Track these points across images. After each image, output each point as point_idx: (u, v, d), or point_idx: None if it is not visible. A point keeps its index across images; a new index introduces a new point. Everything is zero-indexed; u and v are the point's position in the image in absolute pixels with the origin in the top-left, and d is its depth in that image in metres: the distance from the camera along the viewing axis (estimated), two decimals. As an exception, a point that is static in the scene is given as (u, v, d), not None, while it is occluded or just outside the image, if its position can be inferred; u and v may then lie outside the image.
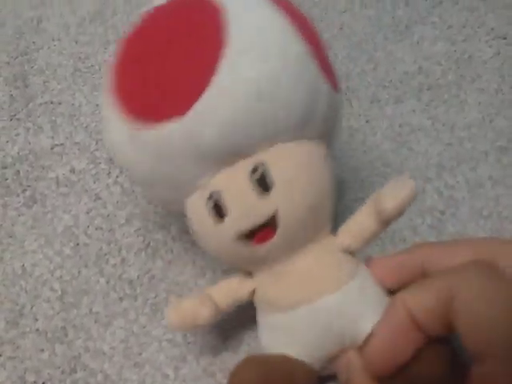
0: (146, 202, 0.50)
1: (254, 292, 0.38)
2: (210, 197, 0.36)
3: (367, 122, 0.54)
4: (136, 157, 0.37)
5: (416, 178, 0.49)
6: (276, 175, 0.35)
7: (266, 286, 0.38)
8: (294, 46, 0.35)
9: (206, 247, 0.39)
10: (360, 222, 0.38)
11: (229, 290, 0.39)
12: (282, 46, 0.34)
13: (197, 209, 0.37)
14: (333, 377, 0.38)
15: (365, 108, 0.55)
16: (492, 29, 0.60)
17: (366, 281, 0.37)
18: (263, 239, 0.35)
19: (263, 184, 0.35)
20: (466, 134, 0.53)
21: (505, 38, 0.59)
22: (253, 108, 0.33)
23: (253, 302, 0.39)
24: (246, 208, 0.35)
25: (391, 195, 0.36)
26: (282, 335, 0.37)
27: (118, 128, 0.37)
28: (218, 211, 0.36)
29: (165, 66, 0.34)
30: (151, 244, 0.48)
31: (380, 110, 0.55)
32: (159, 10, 0.37)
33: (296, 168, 0.35)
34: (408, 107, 0.55)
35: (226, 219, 0.35)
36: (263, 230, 0.35)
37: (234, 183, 0.35)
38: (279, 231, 0.35)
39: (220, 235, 0.36)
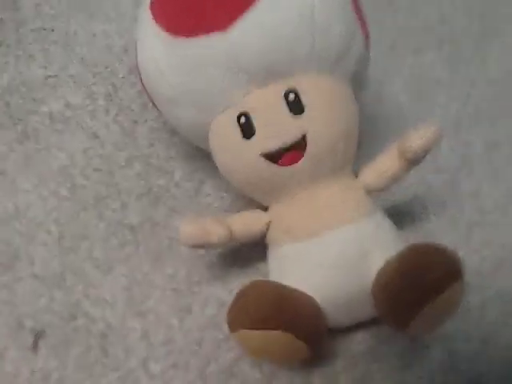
0: (147, 144, 0.49)
1: (268, 225, 0.40)
2: (240, 115, 0.37)
3: (384, 70, 0.53)
4: (169, 69, 0.38)
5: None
6: (308, 100, 0.37)
7: (284, 215, 0.39)
8: None
9: (230, 169, 0.40)
10: (383, 162, 0.40)
11: (245, 220, 0.41)
12: None
13: (224, 128, 0.39)
14: (341, 331, 0.40)
15: (383, 56, 0.54)
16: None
17: (383, 222, 0.40)
18: (290, 161, 0.37)
19: (295, 106, 0.37)
20: (486, 90, 0.53)
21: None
22: (295, 30, 0.36)
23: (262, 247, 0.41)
24: (276, 127, 0.37)
25: (417, 135, 0.38)
26: (293, 267, 0.38)
27: (153, 40, 0.39)
28: (247, 131, 0.37)
29: None
30: (153, 189, 0.47)
31: (399, 59, 0.54)
32: None
33: (327, 96, 0.38)
34: (428, 58, 0.54)
35: (255, 138, 0.37)
36: (290, 153, 0.37)
37: (266, 103, 0.37)
38: (306, 155, 0.37)
39: (247, 153, 0.38)
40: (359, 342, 0.41)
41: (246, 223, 0.40)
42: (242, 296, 0.36)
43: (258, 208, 0.41)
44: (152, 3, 0.40)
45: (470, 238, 0.45)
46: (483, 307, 0.42)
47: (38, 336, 0.41)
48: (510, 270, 0.44)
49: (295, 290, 0.37)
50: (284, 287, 0.37)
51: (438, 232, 0.45)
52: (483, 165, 0.48)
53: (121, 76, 0.53)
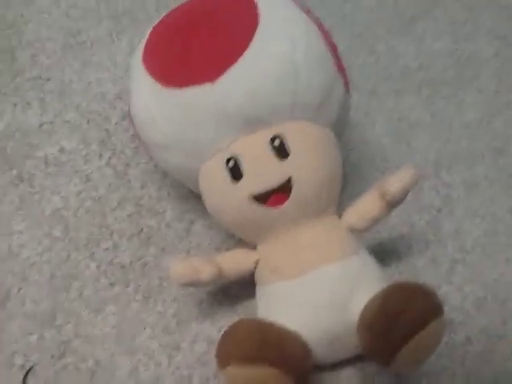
0: (139, 186, 0.51)
1: (256, 263, 0.41)
2: (229, 159, 0.40)
3: (366, 115, 0.56)
4: (161, 117, 0.40)
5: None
6: (293, 145, 0.39)
7: (270, 254, 0.41)
8: (316, 39, 0.41)
9: (218, 210, 0.42)
10: (365, 204, 0.42)
11: (234, 258, 0.42)
12: (306, 35, 0.40)
13: (213, 172, 0.41)
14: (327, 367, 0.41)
15: (364, 101, 0.57)
16: (492, 29, 0.63)
17: (368, 260, 0.41)
18: (276, 202, 0.39)
19: (280, 151, 0.39)
20: (463, 132, 0.55)
21: (505, 39, 0.62)
22: (279, 82, 0.39)
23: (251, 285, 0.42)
24: (262, 171, 0.39)
25: (395, 178, 0.41)
26: (281, 305, 0.39)
27: (146, 90, 0.41)
28: (235, 175, 0.39)
29: (200, 36, 0.40)
30: (144, 230, 0.49)
31: (379, 104, 0.57)
32: None
33: (311, 142, 0.40)
34: (407, 102, 0.57)
35: (242, 181, 0.39)
36: (277, 195, 0.39)
37: (253, 148, 0.40)
38: (292, 196, 0.39)
39: (235, 196, 0.40)
40: (346, 378, 0.41)
41: (235, 262, 0.42)
42: (229, 333, 0.37)
43: (246, 247, 0.43)
44: (144, 54, 0.42)
45: (452, 275, 0.46)
46: (467, 344, 0.43)
47: (28, 373, 0.42)
48: (491, 308, 0.45)
49: (282, 328, 0.37)
50: (270, 325, 0.37)
51: (421, 270, 0.46)
52: (463, 204, 0.50)
53: (114, 122, 0.55)
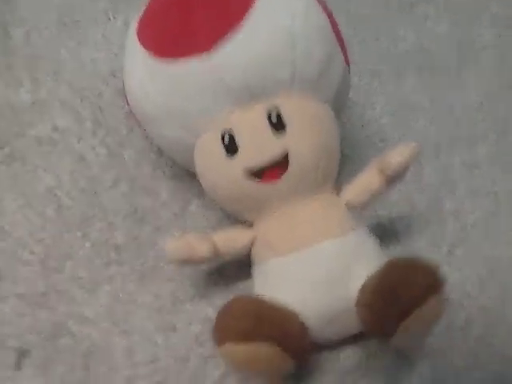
0: (134, 165, 0.50)
1: (252, 240, 0.41)
2: (224, 133, 0.39)
3: (366, 95, 0.55)
4: (154, 90, 0.40)
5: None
6: (290, 119, 0.39)
7: (267, 231, 0.40)
8: (315, 11, 0.40)
9: (214, 186, 0.41)
10: (363, 179, 0.41)
11: (229, 236, 0.41)
12: (305, 6, 0.39)
13: (208, 146, 0.40)
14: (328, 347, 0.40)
15: (365, 81, 0.56)
16: (494, 12, 0.62)
17: (366, 237, 0.40)
18: (272, 177, 0.39)
19: (277, 125, 0.38)
20: (464, 115, 0.54)
21: (506, 22, 0.61)
22: (277, 53, 0.38)
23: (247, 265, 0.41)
24: (259, 144, 0.38)
25: (395, 153, 0.40)
26: (277, 281, 0.39)
27: (139, 62, 0.40)
28: (230, 149, 0.39)
29: (196, 7, 0.38)
30: (139, 209, 0.48)
31: (380, 85, 0.56)
32: None
33: (309, 116, 0.39)
34: (408, 84, 0.56)
35: (238, 155, 0.38)
36: (272, 170, 0.38)
37: (249, 121, 0.39)
38: (288, 172, 0.38)
39: (230, 171, 0.39)
40: (346, 357, 0.41)
41: (231, 239, 0.41)
42: (225, 311, 0.36)
43: (243, 226, 0.42)
44: (138, 27, 0.41)
45: (452, 255, 0.46)
46: (467, 324, 0.43)
47: (22, 355, 0.41)
48: (492, 288, 0.44)
49: (278, 304, 0.37)
50: (267, 301, 0.37)
51: (421, 250, 0.46)
52: (464, 184, 0.50)
53: (108, 99, 0.53)
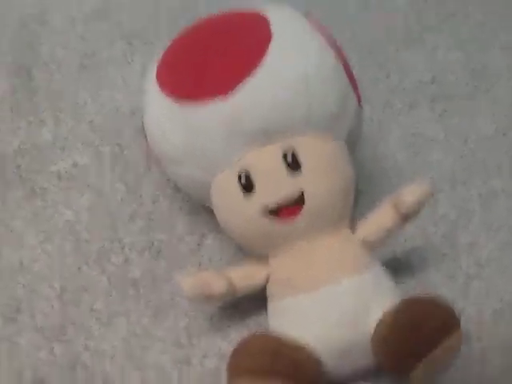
0: (151, 201, 0.51)
1: (268, 277, 0.41)
2: (241, 172, 0.40)
3: (379, 129, 0.55)
4: (172, 131, 0.41)
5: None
6: (305, 159, 0.39)
7: (283, 268, 0.40)
8: (328, 53, 0.41)
9: (231, 224, 0.42)
10: (378, 216, 0.41)
11: (245, 273, 0.42)
12: (318, 49, 0.41)
13: (225, 185, 0.41)
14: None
15: (377, 115, 0.56)
16: (505, 39, 0.62)
17: (381, 274, 0.40)
18: (289, 215, 0.39)
19: (292, 165, 0.39)
20: (479, 146, 0.54)
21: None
22: (292, 97, 0.39)
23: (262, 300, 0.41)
24: (274, 185, 0.39)
25: (409, 191, 0.40)
26: (293, 320, 0.39)
27: (158, 103, 0.42)
28: (247, 188, 0.39)
29: (213, 53, 0.40)
30: (155, 244, 0.48)
31: (393, 118, 0.56)
32: (214, 14, 0.45)
33: (324, 156, 0.40)
34: (421, 116, 0.56)
35: (255, 193, 0.39)
36: (289, 208, 0.39)
37: (265, 162, 0.39)
38: (304, 210, 0.39)
39: (247, 209, 0.40)
40: (359, 394, 0.40)
41: (246, 276, 0.42)
42: (241, 346, 0.37)
43: (258, 261, 0.42)
44: (158, 70, 0.43)
45: (468, 290, 0.45)
46: (484, 358, 0.42)
47: (37, 389, 0.41)
48: (508, 322, 0.43)
49: (294, 342, 0.37)
50: (282, 338, 0.37)
51: (436, 284, 0.46)
52: (479, 217, 0.49)
53: (127, 137, 0.55)
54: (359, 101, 0.44)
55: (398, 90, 0.58)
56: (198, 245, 0.48)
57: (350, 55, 0.46)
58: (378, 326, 0.37)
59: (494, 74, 0.59)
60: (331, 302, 0.38)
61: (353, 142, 0.44)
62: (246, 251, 0.46)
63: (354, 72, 0.45)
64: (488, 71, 0.60)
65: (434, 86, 0.59)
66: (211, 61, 0.40)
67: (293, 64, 0.40)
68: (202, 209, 0.48)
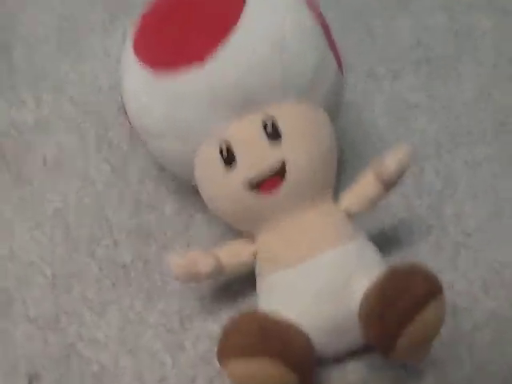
0: (137, 181, 0.47)
1: (255, 254, 0.38)
2: (221, 145, 0.36)
3: (363, 96, 0.51)
4: (151, 104, 0.38)
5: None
6: (285, 128, 0.36)
7: (268, 244, 0.37)
8: (307, 17, 0.37)
9: (214, 199, 0.39)
10: (360, 186, 0.38)
11: (232, 250, 0.39)
12: (296, 13, 0.37)
13: (206, 158, 0.37)
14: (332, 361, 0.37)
15: (361, 82, 0.51)
16: (490, 0, 0.56)
17: (366, 246, 0.38)
18: (271, 187, 0.36)
19: (273, 134, 0.36)
20: (463, 109, 0.50)
21: (503, 11, 0.55)
22: (269, 59, 0.36)
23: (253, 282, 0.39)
24: (256, 156, 0.36)
25: (391, 158, 0.37)
26: (282, 295, 0.36)
27: (135, 75, 0.38)
28: (228, 160, 0.36)
29: (187, 19, 0.36)
30: (144, 226, 0.45)
31: (377, 85, 0.51)
32: None
33: (304, 124, 0.37)
34: (405, 83, 0.51)
35: (236, 167, 0.36)
36: (271, 180, 0.36)
37: (245, 132, 0.36)
38: (286, 181, 0.36)
39: (229, 183, 0.37)
40: (351, 371, 0.38)
41: (234, 254, 0.39)
42: (228, 328, 0.34)
43: (246, 240, 0.39)
44: (134, 40, 0.39)
45: (456, 260, 0.42)
46: (474, 331, 0.39)
47: (33, 379, 0.39)
48: (498, 292, 0.41)
49: (282, 319, 0.34)
50: (270, 316, 0.35)
51: (424, 256, 0.42)
52: (465, 185, 0.45)
53: (109, 115, 0.50)
54: (340, 65, 0.40)
55: (383, 55, 0.53)
56: (186, 226, 0.45)
57: (334, 20, 0.41)
58: (362, 299, 0.34)
59: (479, 35, 0.54)
60: (315, 276, 0.35)
61: (334, 109, 0.41)
62: (234, 231, 0.43)
63: (337, 36, 0.40)
64: (473, 32, 0.54)
65: (419, 50, 0.53)
66: (186, 28, 0.36)
67: (268, 26, 0.36)
68: (188, 189, 0.45)
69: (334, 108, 0.41)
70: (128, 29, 0.54)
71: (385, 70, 0.52)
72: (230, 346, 0.33)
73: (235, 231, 0.42)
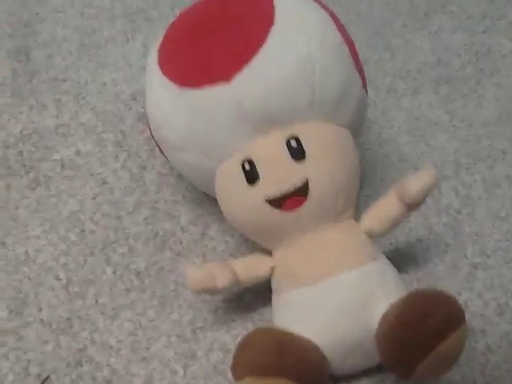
0: (155, 190, 0.47)
1: (272, 269, 0.38)
2: (244, 161, 0.37)
3: (383, 113, 0.52)
4: (176, 117, 0.38)
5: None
6: (310, 146, 0.36)
7: (287, 260, 0.38)
8: (334, 36, 0.38)
9: (234, 214, 0.39)
10: (383, 207, 0.38)
11: (249, 265, 0.39)
12: (323, 32, 0.37)
13: (228, 174, 0.38)
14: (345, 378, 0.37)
15: (381, 98, 0.52)
16: (511, 22, 0.57)
17: (386, 266, 0.38)
18: (293, 206, 0.36)
19: (297, 153, 0.36)
20: (483, 130, 0.50)
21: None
22: (295, 78, 0.36)
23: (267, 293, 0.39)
24: (279, 173, 0.36)
25: (415, 179, 0.37)
26: (297, 312, 0.36)
27: (159, 88, 0.39)
28: (251, 177, 0.36)
29: (215, 35, 0.37)
30: (160, 234, 0.45)
31: (397, 102, 0.52)
32: None
33: (328, 142, 0.37)
34: (425, 100, 0.52)
35: (258, 184, 0.36)
36: (293, 198, 0.36)
37: (269, 149, 0.37)
38: (309, 199, 0.36)
39: (251, 199, 0.37)
40: (363, 389, 0.38)
41: (251, 268, 0.39)
42: (245, 343, 0.34)
43: (262, 252, 0.40)
44: (159, 54, 0.40)
45: (472, 281, 0.42)
46: (488, 352, 0.39)
47: (44, 382, 0.39)
48: (513, 314, 0.41)
49: (298, 337, 0.35)
50: (287, 334, 0.35)
51: (440, 275, 0.43)
52: (483, 206, 0.46)
53: (129, 124, 0.51)
54: (364, 83, 0.40)
55: (403, 73, 0.54)
56: (202, 235, 0.45)
57: (355, 37, 0.42)
58: (381, 320, 0.34)
59: (500, 57, 0.55)
60: (334, 295, 0.35)
61: (358, 128, 0.41)
62: (249, 242, 0.44)
63: (359, 54, 0.41)
64: (493, 53, 0.55)
65: (439, 69, 0.54)
66: (213, 44, 0.37)
67: (296, 45, 0.36)
68: (205, 198, 0.46)
69: (358, 126, 0.41)
70: (148, 38, 0.57)
71: (405, 87, 0.53)
72: (246, 362, 0.33)
73: (251, 242, 0.42)
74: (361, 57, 0.42)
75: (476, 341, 0.40)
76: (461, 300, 0.41)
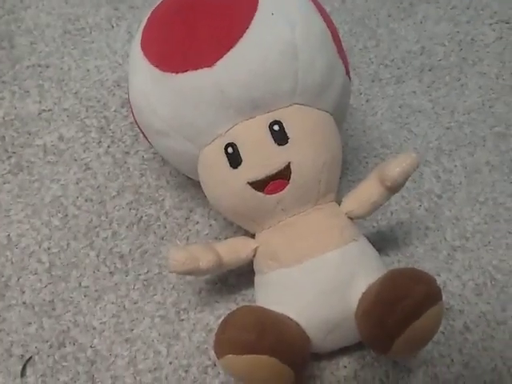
0: (138, 174, 0.49)
1: (255, 251, 0.40)
2: (227, 145, 0.38)
3: (367, 101, 0.54)
4: (159, 102, 0.39)
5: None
6: (292, 131, 0.38)
7: (269, 242, 0.39)
8: (316, 21, 0.39)
9: (217, 197, 0.40)
10: (364, 190, 0.40)
11: (232, 246, 0.41)
12: (305, 16, 0.39)
13: (212, 158, 0.39)
14: (325, 356, 0.40)
15: (365, 87, 0.55)
16: (495, 12, 0.60)
17: (366, 248, 0.40)
18: (275, 189, 0.38)
19: (279, 137, 0.38)
20: (465, 118, 0.53)
21: (507, 23, 0.59)
22: (279, 63, 0.37)
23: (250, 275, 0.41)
24: (261, 157, 0.38)
25: (395, 163, 0.39)
26: (279, 293, 0.38)
27: (143, 73, 0.40)
28: (233, 161, 0.38)
29: (197, 20, 0.38)
30: (143, 218, 0.47)
31: (381, 90, 0.55)
32: None
33: (311, 127, 0.39)
34: (409, 88, 0.55)
35: (241, 167, 0.38)
36: (276, 182, 0.38)
37: (252, 133, 0.38)
38: (291, 183, 0.38)
39: (234, 182, 0.38)
40: (343, 366, 0.40)
41: (234, 250, 0.41)
42: (227, 322, 0.36)
43: (245, 235, 0.41)
44: (142, 40, 0.41)
45: (451, 262, 0.45)
46: (465, 331, 0.42)
47: (27, 363, 0.41)
48: (490, 294, 0.43)
49: (280, 315, 0.36)
50: (268, 312, 0.36)
51: (420, 257, 0.45)
52: (464, 190, 0.49)
53: (113, 109, 0.53)
54: (347, 70, 0.42)
55: (387, 61, 0.57)
56: (186, 219, 0.47)
57: (340, 25, 0.43)
58: (361, 299, 0.36)
59: (483, 46, 0.58)
60: (315, 275, 0.37)
61: (341, 114, 0.43)
62: (233, 225, 0.46)
63: (343, 42, 0.43)
64: (476, 43, 0.58)
65: (423, 57, 0.57)
66: (197, 30, 0.38)
67: (279, 31, 0.37)
68: (189, 183, 0.48)
69: (341, 112, 0.43)
70: (133, 26, 0.59)
71: (389, 75, 0.56)
72: (227, 340, 0.35)
73: (235, 226, 0.44)
74: (345, 45, 0.44)
75: (454, 320, 0.42)
76: (440, 280, 0.43)
